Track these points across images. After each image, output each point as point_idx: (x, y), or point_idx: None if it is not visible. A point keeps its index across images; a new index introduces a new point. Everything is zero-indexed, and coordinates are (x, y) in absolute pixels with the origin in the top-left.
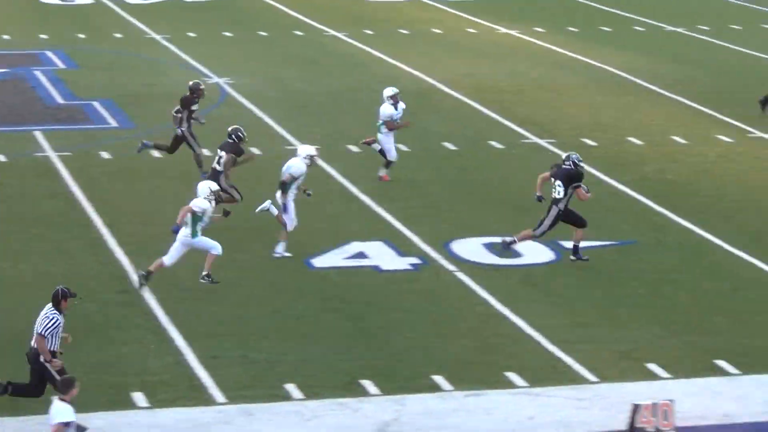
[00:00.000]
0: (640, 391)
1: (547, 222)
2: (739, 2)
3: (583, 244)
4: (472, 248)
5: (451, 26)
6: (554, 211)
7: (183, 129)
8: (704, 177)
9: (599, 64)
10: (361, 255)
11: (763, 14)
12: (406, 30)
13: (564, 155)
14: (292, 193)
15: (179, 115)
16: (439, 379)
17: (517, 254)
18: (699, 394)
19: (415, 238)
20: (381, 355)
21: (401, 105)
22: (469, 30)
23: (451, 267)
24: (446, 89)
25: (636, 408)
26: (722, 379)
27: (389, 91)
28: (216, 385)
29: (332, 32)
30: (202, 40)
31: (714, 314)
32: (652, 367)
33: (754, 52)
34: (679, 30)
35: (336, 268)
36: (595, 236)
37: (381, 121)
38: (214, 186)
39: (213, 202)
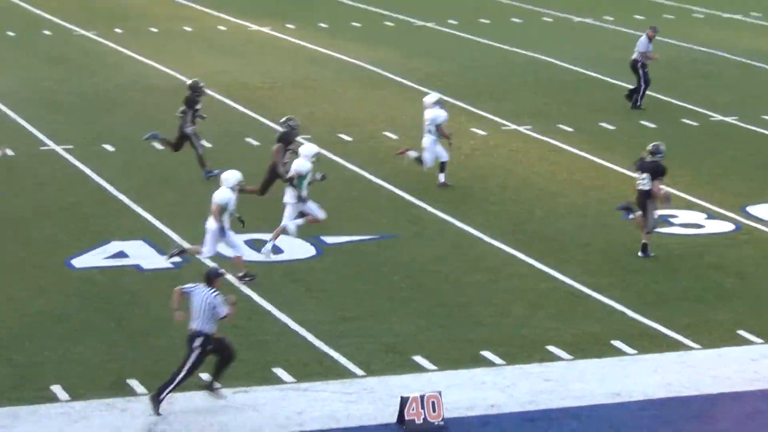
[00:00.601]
0: (407, 384)
1: (650, 216)
2: None
3: (343, 239)
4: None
5: (202, 24)
6: (649, 205)
7: (190, 129)
8: (460, 170)
9: (352, 60)
10: (121, 254)
11: (512, 7)
12: (157, 28)
13: (650, 146)
14: (304, 189)
15: (185, 114)
16: (206, 376)
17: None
18: (465, 385)
19: (175, 236)
20: (146, 354)
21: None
22: (220, 27)
23: (212, 264)
24: None
25: (404, 401)
26: (487, 370)
27: (433, 96)
28: None
29: (81, 31)
30: None
31: (476, 305)
32: (418, 359)
33: (504, 46)
34: (428, 25)
35: (97, 268)
36: (355, 231)
37: (435, 126)
38: (239, 175)
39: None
